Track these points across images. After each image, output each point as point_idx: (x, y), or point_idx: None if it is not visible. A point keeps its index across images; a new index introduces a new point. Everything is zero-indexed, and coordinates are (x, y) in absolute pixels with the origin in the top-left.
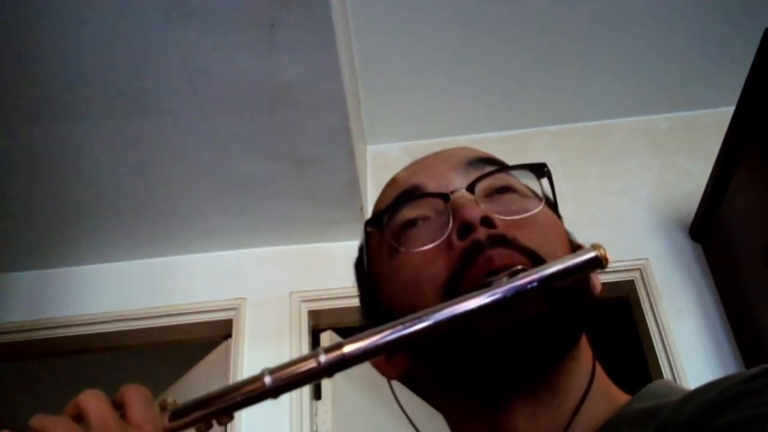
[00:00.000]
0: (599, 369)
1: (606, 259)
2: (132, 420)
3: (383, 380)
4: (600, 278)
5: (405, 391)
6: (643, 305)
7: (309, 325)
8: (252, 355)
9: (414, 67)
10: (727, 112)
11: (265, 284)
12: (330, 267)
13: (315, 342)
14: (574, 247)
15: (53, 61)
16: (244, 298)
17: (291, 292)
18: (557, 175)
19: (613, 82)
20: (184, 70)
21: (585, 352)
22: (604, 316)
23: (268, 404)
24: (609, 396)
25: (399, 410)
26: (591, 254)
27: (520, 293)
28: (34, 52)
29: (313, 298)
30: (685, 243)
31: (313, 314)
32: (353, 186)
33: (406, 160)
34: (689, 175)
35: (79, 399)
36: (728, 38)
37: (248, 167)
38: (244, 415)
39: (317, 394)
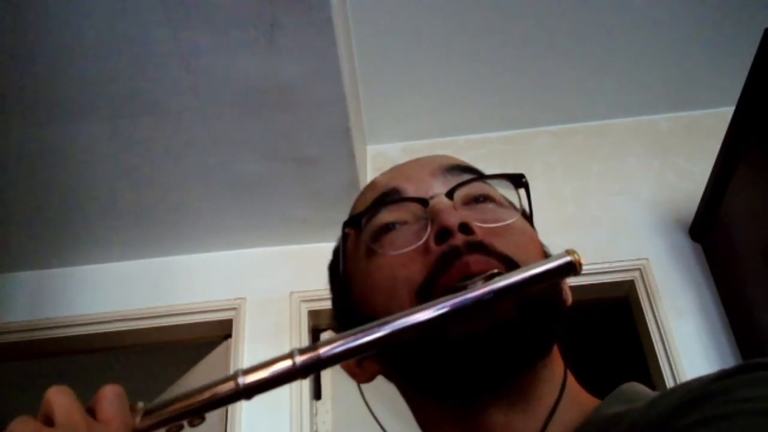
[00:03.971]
0: (570, 377)
1: (580, 265)
2: (100, 416)
3: (382, 380)
4: (599, 279)
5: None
6: (643, 305)
7: (309, 325)
8: (252, 355)
9: (414, 67)
10: (727, 112)
11: (265, 284)
12: None
13: (315, 342)
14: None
15: (53, 61)
16: (244, 298)
17: (291, 292)
18: (557, 175)
19: (613, 82)
20: (184, 70)
21: (557, 360)
22: (604, 316)
23: (268, 404)
24: (580, 403)
25: (398, 410)
26: (566, 259)
27: (494, 297)
28: (34, 52)
29: (313, 298)
30: (685, 243)
31: (313, 314)
32: (353, 186)
33: (406, 160)
34: (689, 175)
35: (46, 395)
36: (728, 38)
37: (248, 167)
38: (245, 415)
39: (317, 394)
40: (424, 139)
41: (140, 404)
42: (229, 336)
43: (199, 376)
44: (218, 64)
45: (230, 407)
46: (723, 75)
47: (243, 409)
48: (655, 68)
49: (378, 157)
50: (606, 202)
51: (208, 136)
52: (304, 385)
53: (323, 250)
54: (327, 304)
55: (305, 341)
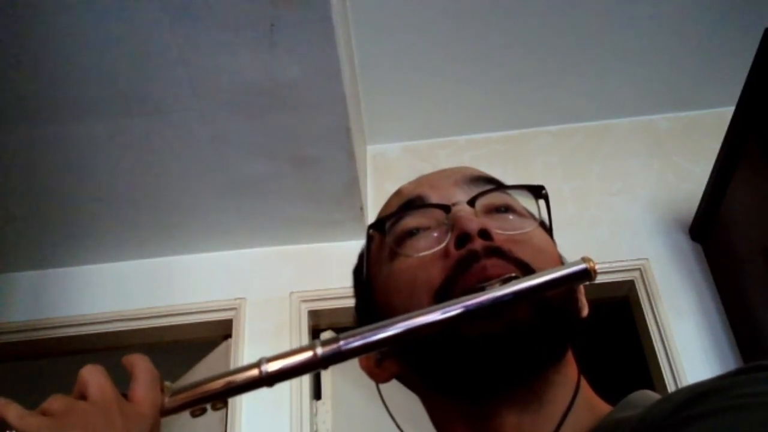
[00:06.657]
0: (584, 382)
1: (595, 272)
2: (134, 397)
3: (391, 388)
4: (599, 279)
5: (406, 392)
6: (643, 305)
7: (309, 325)
8: (252, 356)
9: (414, 67)
10: (727, 112)
11: (265, 284)
12: (330, 267)
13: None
14: None
15: (53, 61)
16: (244, 298)
17: (291, 292)
18: (557, 175)
19: (613, 82)
20: (184, 70)
21: (570, 365)
22: (604, 316)
23: (268, 404)
24: (592, 408)
25: (399, 410)
26: (581, 266)
27: (511, 299)
28: (35, 52)
29: (313, 298)
30: (685, 243)
31: (313, 314)
32: (353, 186)
33: (406, 160)
34: (689, 175)
35: (81, 373)
36: (728, 38)
37: (248, 167)
38: (245, 415)
39: (317, 394)
40: (424, 139)
41: (168, 383)
42: (229, 336)
43: (199, 376)
44: (218, 64)
45: (230, 407)
46: (723, 75)
47: (243, 408)
48: (655, 68)
49: (378, 157)
50: (606, 202)
51: (208, 136)
52: (304, 385)
53: (323, 250)
54: (327, 304)
55: (305, 341)
